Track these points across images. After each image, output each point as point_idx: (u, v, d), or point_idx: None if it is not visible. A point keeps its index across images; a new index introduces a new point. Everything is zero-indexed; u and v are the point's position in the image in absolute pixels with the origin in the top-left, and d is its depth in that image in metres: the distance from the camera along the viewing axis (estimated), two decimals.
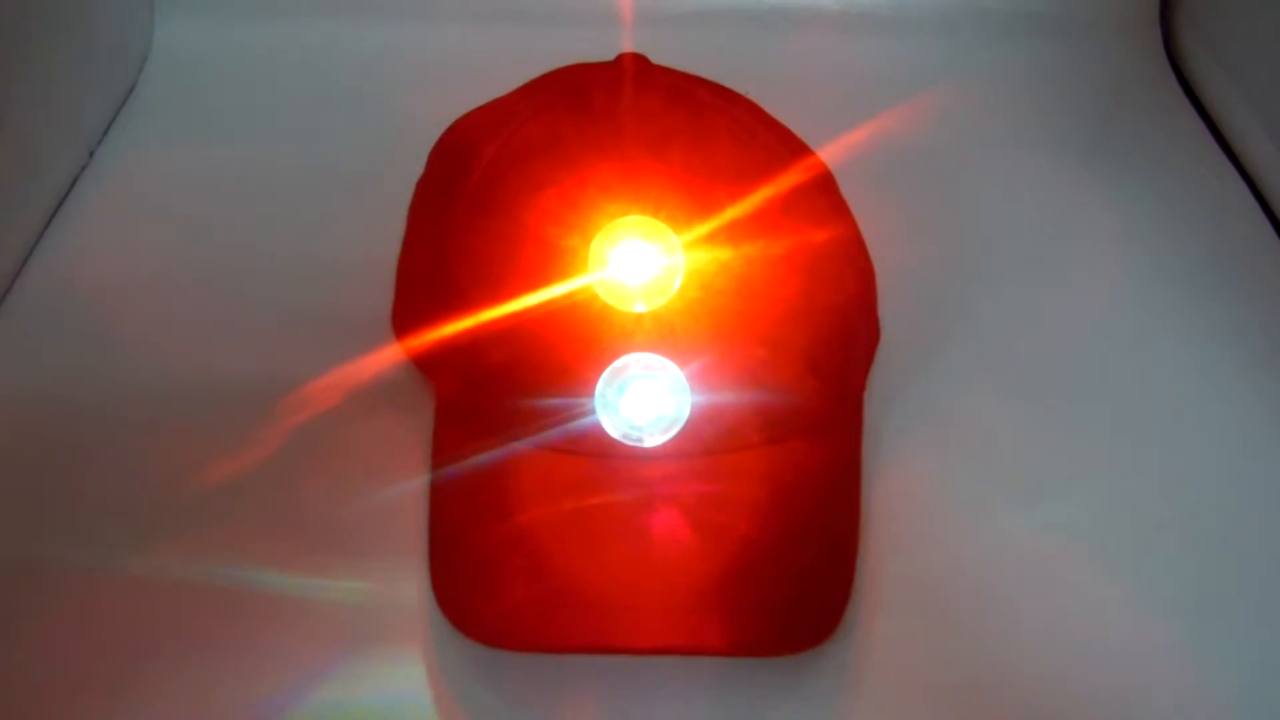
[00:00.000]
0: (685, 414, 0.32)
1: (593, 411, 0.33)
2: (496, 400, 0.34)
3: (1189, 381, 0.42)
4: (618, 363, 0.32)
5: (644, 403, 0.32)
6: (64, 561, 0.35)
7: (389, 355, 0.40)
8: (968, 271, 0.46)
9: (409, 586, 0.35)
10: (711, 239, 0.33)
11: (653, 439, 0.33)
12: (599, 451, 0.33)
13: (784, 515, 0.33)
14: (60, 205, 0.48)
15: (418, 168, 0.40)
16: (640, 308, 0.32)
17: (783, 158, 0.36)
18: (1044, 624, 0.34)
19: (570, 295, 0.33)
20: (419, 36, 0.57)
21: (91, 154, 0.51)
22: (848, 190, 0.38)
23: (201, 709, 0.32)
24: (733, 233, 0.33)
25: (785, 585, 0.33)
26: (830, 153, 0.38)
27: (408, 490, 0.37)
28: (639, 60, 0.37)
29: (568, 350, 0.33)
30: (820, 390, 0.35)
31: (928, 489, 0.38)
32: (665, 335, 0.33)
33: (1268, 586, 0.36)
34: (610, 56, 0.38)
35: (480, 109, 0.39)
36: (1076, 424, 0.40)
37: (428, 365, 0.37)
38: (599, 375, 0.32)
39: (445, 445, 0.35)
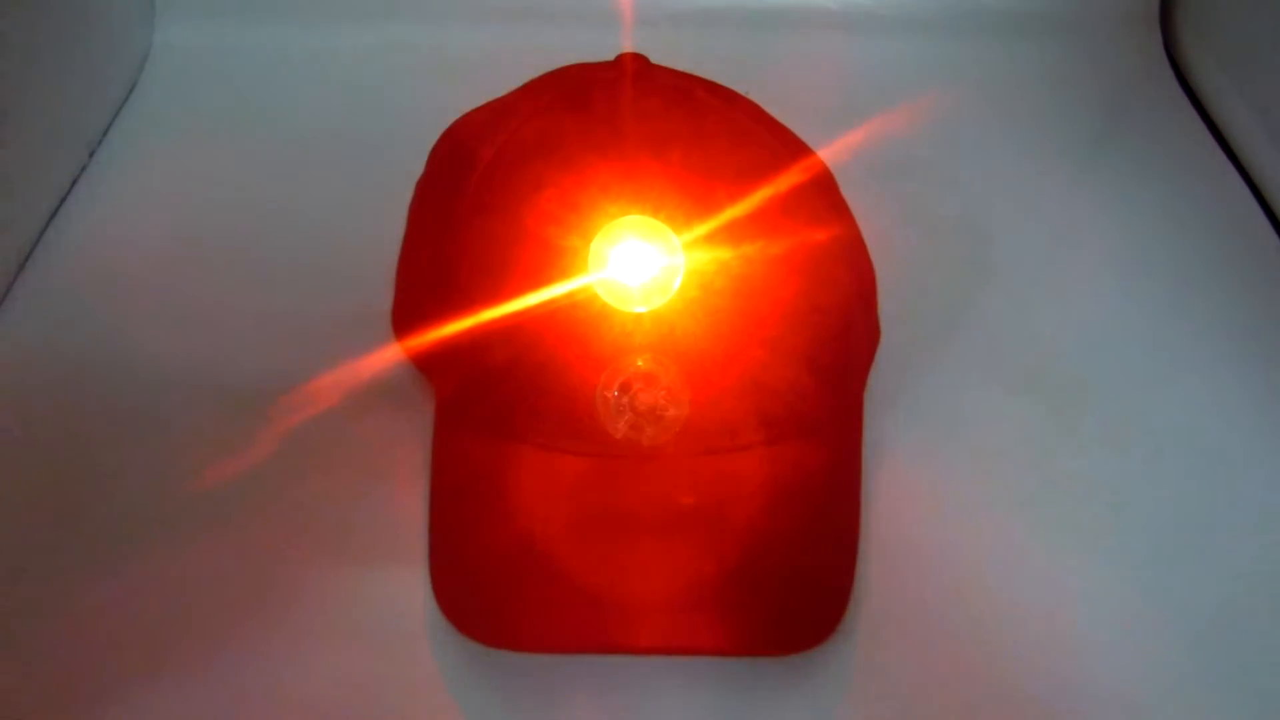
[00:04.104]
0: (685, 414, 0.32)
1: (593, 412, 0.33)
2: (496, 400, 0.34)
3: (1188, 381, 0.42)
4: (618, 363, 0.32)
5: (644, 399, 0.32)
6: (63, 561, 0.35)
7: (389, 355, 0.40)
8: (968, 271, 0.46)
9: (409, 586, 0.35)
10: (711, 239, 0.33)
11: (653, 439, 0.33)
12: (599, 451, 0.33)
13: (784, 515, 0.33)
14: (60, 205, 0.48)
15: (418, 168, 0.40)
16: (640, 308, 0.32)
17: (782, 158, 0.36)
18: (1043, 624, 0.34)
19: (570, 295, 0.33)
20: (419, 36, 0.57)
21: (91, 154, 0.51)
22: (848, 190, 0.38)
23: (201, 708, 0.32)
24: (732, 233, 0.33)
25: (785, 585, 0.33)
26: (830, 153, 0.38)
27: (408, 490, 0.37)
28: (639, 60, 0.37)
29: (568, 350, 0.33)
30: (820, 390, 0.35)
31: (928, 489, 0.38)
32: (665, 335, 0.33)
33: (1270, 587, 0.36)
34: (610, 56, 0.38)
35: (480, 109, 0.39)
36: (1076, 423, 0.40)
37: (428, 365, 0.37)
38: (599, 375, 0.32)
39: (445, 445, 0.35)
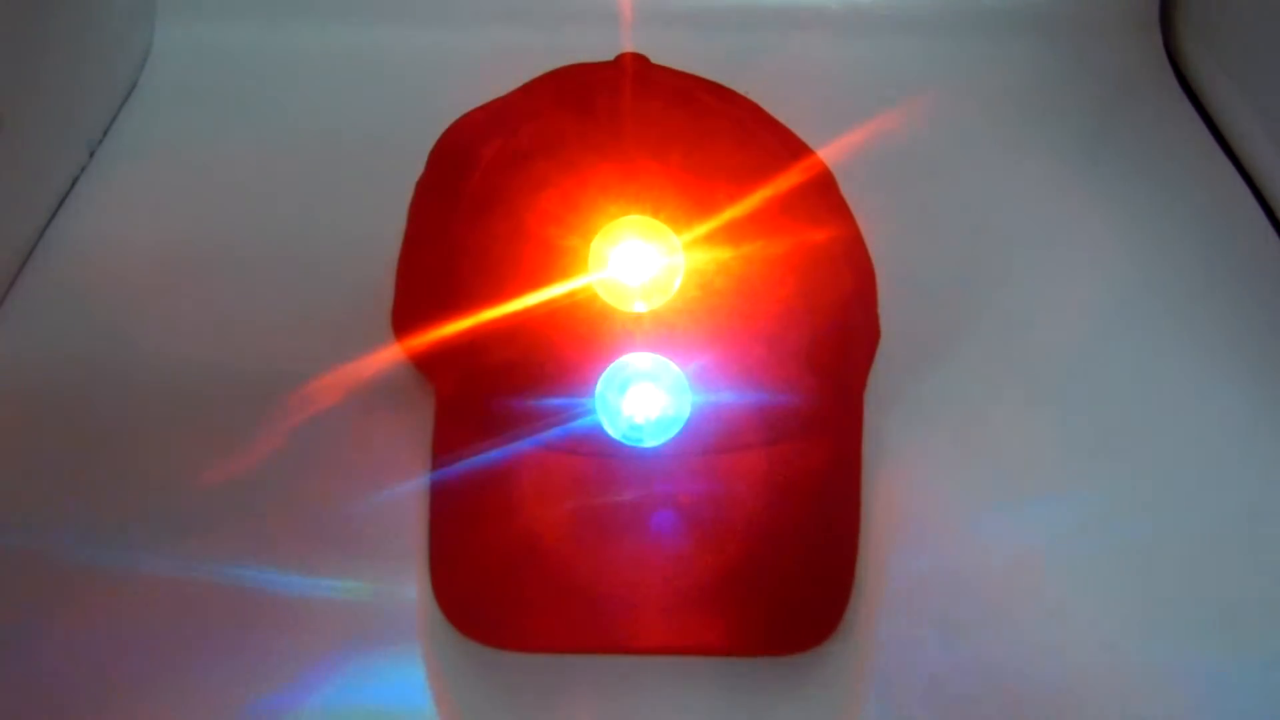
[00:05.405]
0: (685, 414, 0.32)
1: (593, 411, 0.33)
2: (497, 400, 0.34)
3: (1189, 381, 0.42)
4: (618, 362, 0.32)
5: (644, 403, 0.32)
6: (63, 561, 0.35)
7: (389, 355, 0.40)
8: (967, 271, 0.46)
9: (409, 586, 0.35)
10: (711, 239, 0.33)
11: (653, 439, 0.33)
12: (599, 451, 0.33)
13: (784, 515, 0.33)
14: (60, 205, 0.48)
15: (418, 168, 0.40)
16: (640, 308, 0.32)
17: (782, 158, 0.36)
18: (1043, 624, 0.34)
19: (570, 295, 0.33)
20: (419, 36, 0.57)
21: (91, 154, 0.51)
22: (848, 190, 0.38)
23: (201, 709, 0.32)
24: (732, 233, 0.33)
25: (785, 585, 0.33)
26: (830, 153, 0.38)
27: (408, 490, 0.37)
28: (639, 60, 0.37)
29: (568, 350, 0.33)
30: (820, 390, 0.35)
31: (928, 489, 0.38)
32: (665, 335, 0.33)
33: (1269, 587, 0.36)
34: (610, 56, 0.38)
35: (480, 109, 0.39)
36: (1076, 423, 0.40)
37: (428, 365, 0.37)
38: (599, 375, 0.32)
39: (445, 445, 0.35)
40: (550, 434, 0.33)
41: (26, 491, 0.37)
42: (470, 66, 0.47)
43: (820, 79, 0.56)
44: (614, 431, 0.33)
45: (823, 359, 0.35)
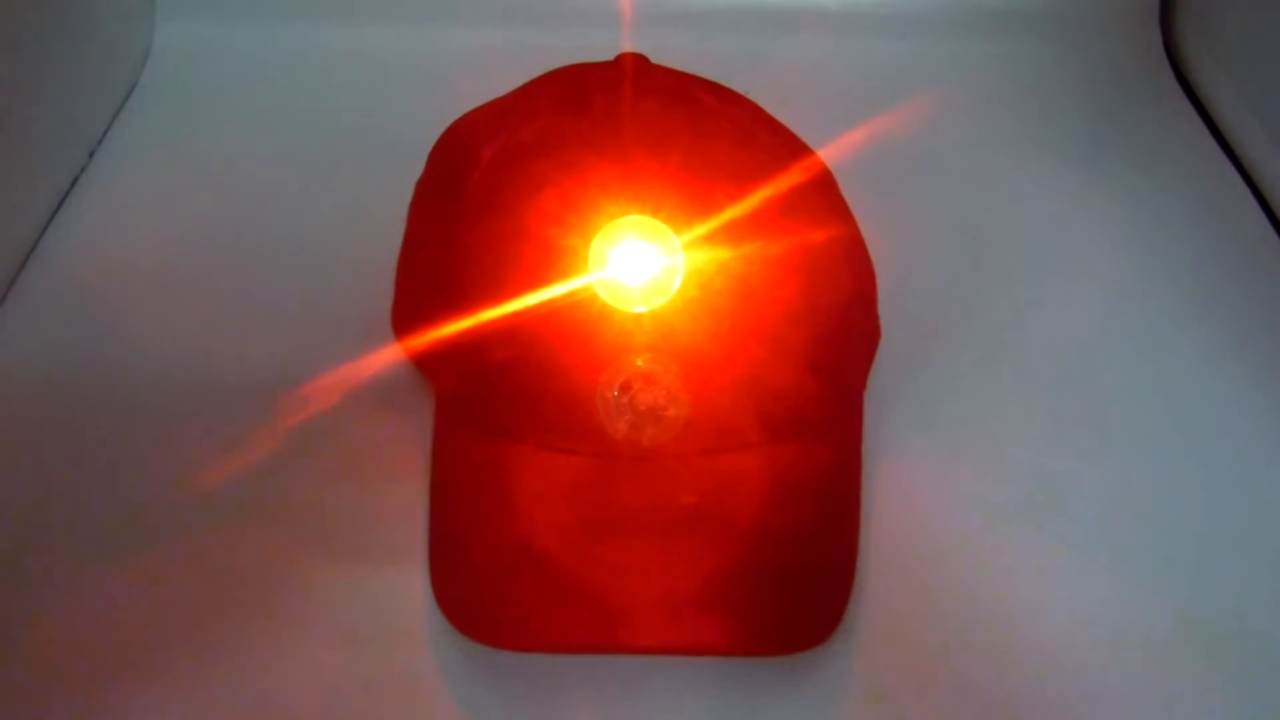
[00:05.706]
0: (685, 414, 0.32)
1: (593, 411, 0.33)
2: (497, 400, 0.34)
3: (1189, 380, 0.42)
4: (618, 363, 0.32)
5: (644, 399, 0.32)
6: (63, 561, 0.35)
7: (389, 355, 0.40)
8: (967, 271, 0.46)
9: (409, 586, 0.35)
10: (711, 239, 0.33)
11: (653, 439, 0.33)
12: (599, 451, 0.33)
13: (784, 515, 0.33)
14: (60, 205, 0.48)
15: (418, 168, 0.40)
16: (640, 308, 0.32)
17: (783, 158, 0.36)
18: (1044, 624, 0.34)
19: (570, 295, 0.33)
20: (419, 36, 0.57)
21: (91, 154, 0.51)
22: (848, 190, 0.38)
23: (201, 709, 0.32)
24: (732, 233, 0.33)
25: (785, 585, 0.33)
26: (830, 153, 0.38)
27: (408, 490, 0.37)
28: (639, 60, 0.37)
29: (568, 350, 0.33)
30: (820, 390, 0.35)
31: (928, 489, 0.38)
32: (665, 335, 0.33)
33: (1269, 585, 0.36)
34: (610, 56, 0.38)
35: (480, 109, 0.39)
36: (1076, 423, 0.40)
37: (428, 365, 0.37)
38: (599, 375, 0.32)
39: (445, 445, 0.35)
40: (550, 434, 0.33)
41: (26, 491, 0.37)
42: (470, 66, 0.47)
43: (820, 79, 0.56)
44: (614, 431, 0.33)
45: (823, 359, 0.35)
